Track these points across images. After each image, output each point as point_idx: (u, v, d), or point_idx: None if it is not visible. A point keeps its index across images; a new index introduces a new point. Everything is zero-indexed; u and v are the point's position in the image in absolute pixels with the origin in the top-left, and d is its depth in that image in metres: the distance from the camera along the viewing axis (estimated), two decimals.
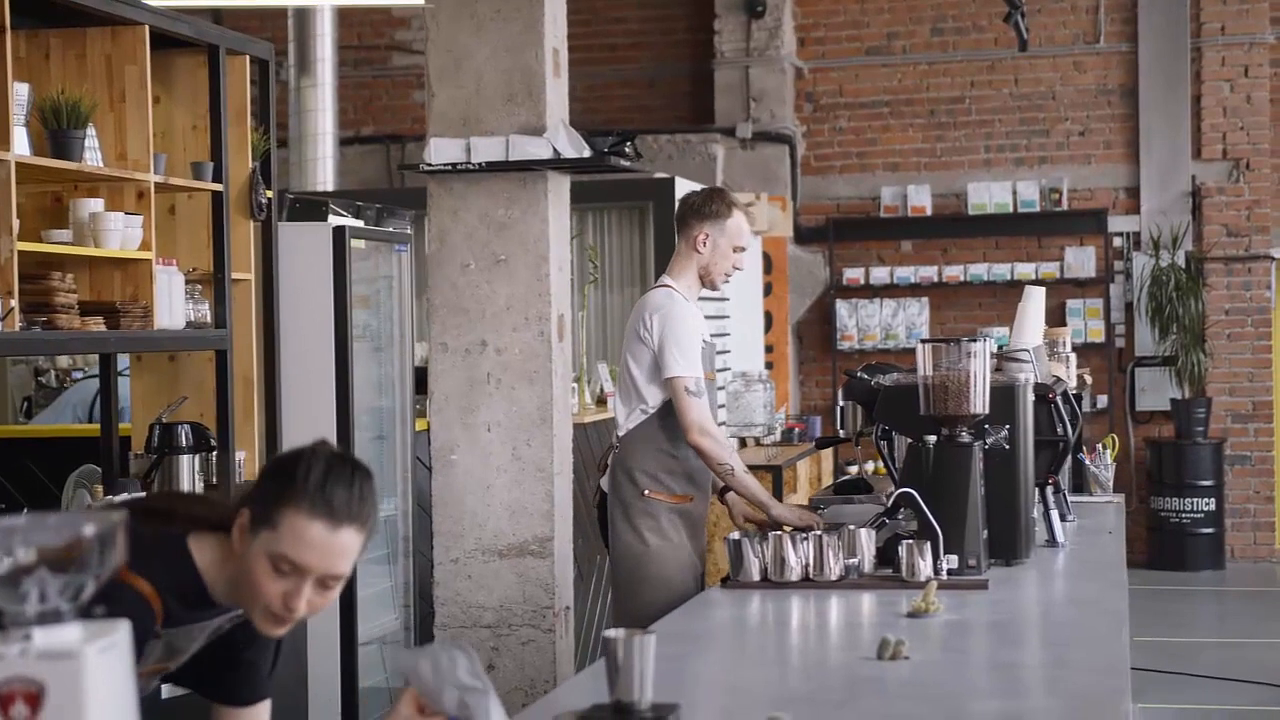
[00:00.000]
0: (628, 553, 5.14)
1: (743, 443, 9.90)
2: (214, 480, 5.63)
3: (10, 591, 1.79)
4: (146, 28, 5.22)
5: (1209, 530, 11.93)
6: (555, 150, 5.74)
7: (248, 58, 5.87)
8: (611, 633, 2.66)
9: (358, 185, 12.03)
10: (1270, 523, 12.32)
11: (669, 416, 5.09)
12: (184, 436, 5.46)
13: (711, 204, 5.24)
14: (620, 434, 5.22)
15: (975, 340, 4.38)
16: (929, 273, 12.50)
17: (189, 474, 5.49)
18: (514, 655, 5.58)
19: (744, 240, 5.25)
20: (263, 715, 2.88)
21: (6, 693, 1.74)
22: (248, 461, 5.86)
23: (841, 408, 5.15)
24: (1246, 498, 12.26)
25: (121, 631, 1.82)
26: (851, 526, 4.31)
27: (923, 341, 4.42)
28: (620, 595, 5.20)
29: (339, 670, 6.25)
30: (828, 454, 11.17)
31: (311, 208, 6.45)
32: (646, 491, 5.11)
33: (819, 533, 4.24)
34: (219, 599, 2.64)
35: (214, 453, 5.59)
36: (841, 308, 12.58)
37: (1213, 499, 11.92)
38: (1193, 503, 11.90)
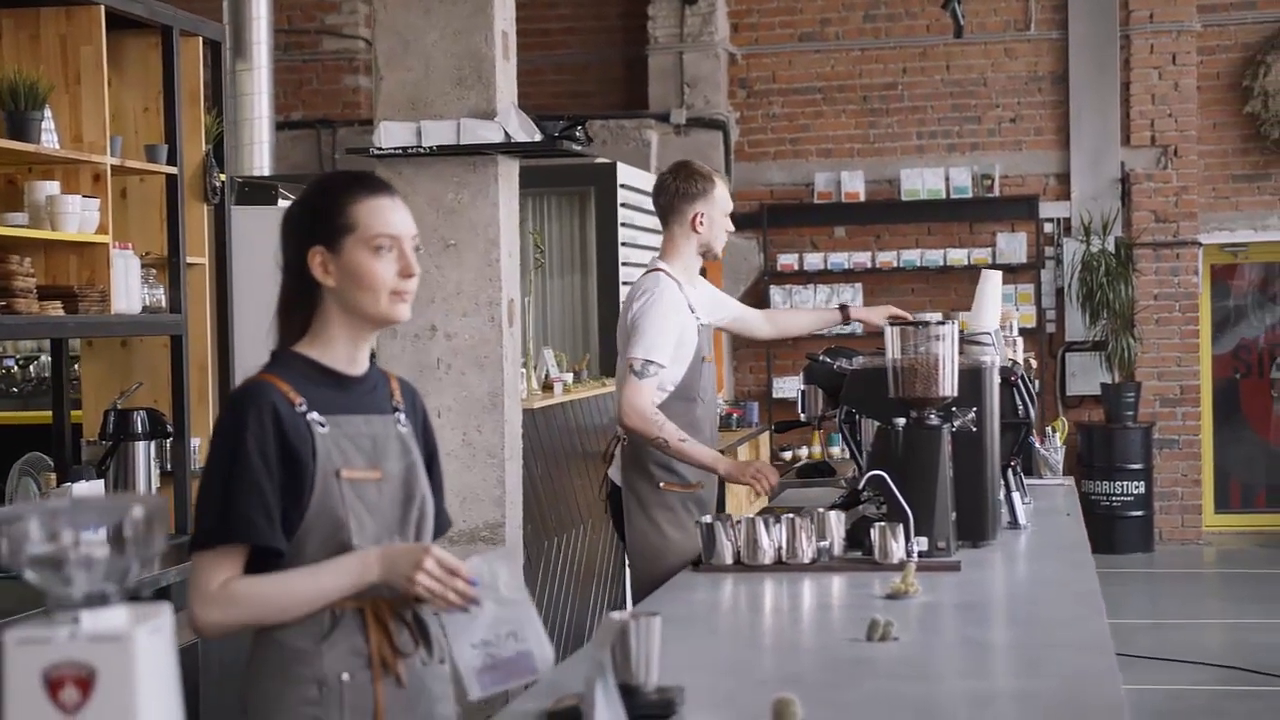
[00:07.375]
0: (646, 545, 5.11)
1: None
2: (169, 467, 5.56)
3: (56, 574, 1.77)
4: (102, 8, 5.14)
5: (1138, 513, 12.09)
6: (507, 134, 5.71)
7: (200, 39, 5.80)
8: (618, 615, 2.66)
9: (289, 170, 11.91)
10: (1198, 505, 12.49)
11: (676, 403, 5.05)
12: (139, 423, 5.37)
13: (696, 183, 5.29)
14: None
15: (944, 323, 4.39)
16: (863, 258, 12.55)
17: (144, 461, 5.41)
18: None
19: (729, 202, 5.39)
20: None
21: (56, 677, 1.72)
22: (203, 448, 5.79)
23: (803, 391, 5.14)
24: (1175, 481, 12.42)
25: (165, 614, 1.80)
26: (821, 509, 4.32)
27: (891, 324, 4.43)
28: (639, 587, 5.13)
29: None
30: (764, 439, 11.22)
31: (260, 191, 6.38)
32: (662, 484, 5.09)
33: (791, 516, 4.24)
34: (342, 368, 2.85)
35: (169, 439, 5.52)
36: (776, 294, 12.61)
37: (1142, 482, 12.07)
38: (1122, 486, 12.04)
